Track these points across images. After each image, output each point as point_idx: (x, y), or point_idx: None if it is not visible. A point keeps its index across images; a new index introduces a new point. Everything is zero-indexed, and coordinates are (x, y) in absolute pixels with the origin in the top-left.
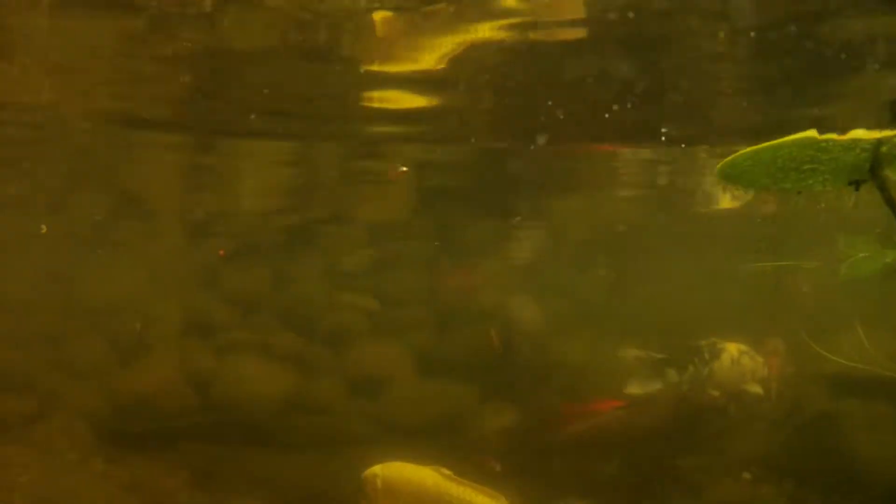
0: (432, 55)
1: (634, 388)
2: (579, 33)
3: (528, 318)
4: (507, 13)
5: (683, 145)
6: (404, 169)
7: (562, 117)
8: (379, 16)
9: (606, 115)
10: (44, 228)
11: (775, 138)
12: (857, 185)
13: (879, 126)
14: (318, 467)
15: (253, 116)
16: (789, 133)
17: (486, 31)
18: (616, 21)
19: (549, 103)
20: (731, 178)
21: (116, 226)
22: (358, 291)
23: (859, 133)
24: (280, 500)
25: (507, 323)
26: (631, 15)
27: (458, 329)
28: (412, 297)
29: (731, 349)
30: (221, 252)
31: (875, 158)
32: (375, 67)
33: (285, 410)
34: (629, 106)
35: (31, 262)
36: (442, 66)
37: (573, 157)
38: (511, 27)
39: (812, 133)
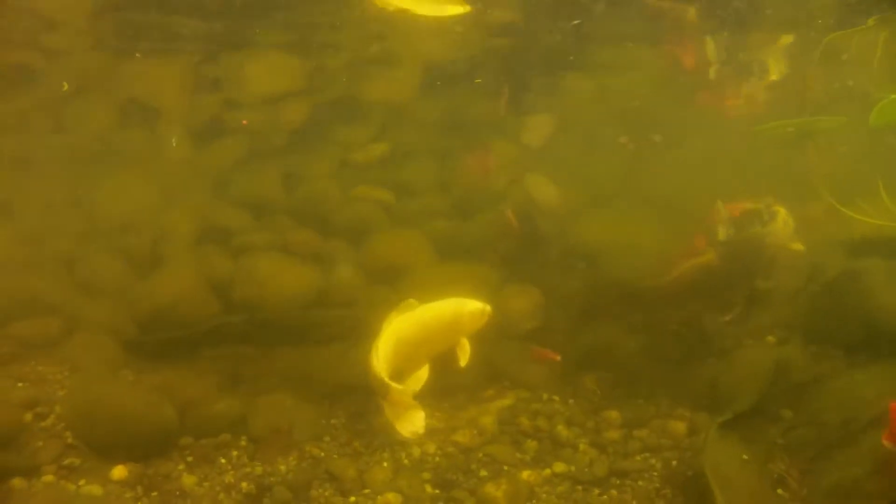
0: None
1: (723, 236)
2: None
3: (546, 197)
4: None
5: None
6: None
7: None
8: None
9: None
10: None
11: None
12: None
13: None
14: (344, 358)
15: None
16: None
17: None
18: None
19: None
20: None
21: (123, 137)
22: (372, 184)
23: None
24: (310, 393)
25: (525, 203)
26: None
27: (477, 214)
28: (427, 186)
29: (782, 211)
30: (245, 122)
31: None
32: None
33: (308, 306)
34: None
35: (42, 183)
36: None
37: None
38: None
39: None
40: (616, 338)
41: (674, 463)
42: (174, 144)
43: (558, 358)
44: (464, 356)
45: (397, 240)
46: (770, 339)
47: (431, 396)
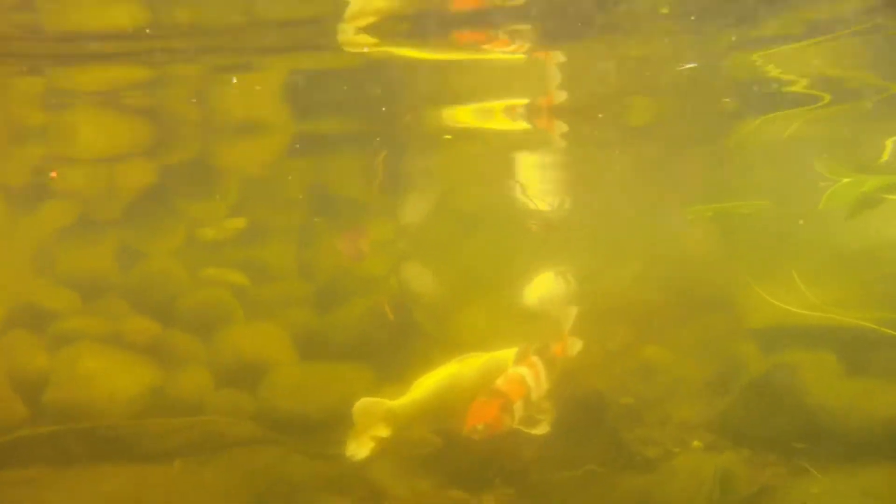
0: None
1: None
2: None
3: (424, 286)
4: None
5: None
6: None
7: None
8: None
9: None
10: None
11: None
12: None
13: None
14: (192, 478)
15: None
16: None
17: None
18: None
19: None
20: None
21: None
22: (223, 265)
23: None
24: None
25: (400, 293)
26: None
27: (345, 303)
28: (288, 269)
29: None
30: (53, 174)
31: None
32: None
33: (144, 412)
34: None
35: None
36: None
37: None
38: None
39: None
40: (509, 444)
41: None
42: None
43: None
44: None
45: (251, 334)
46: (696, 443)
47: None
